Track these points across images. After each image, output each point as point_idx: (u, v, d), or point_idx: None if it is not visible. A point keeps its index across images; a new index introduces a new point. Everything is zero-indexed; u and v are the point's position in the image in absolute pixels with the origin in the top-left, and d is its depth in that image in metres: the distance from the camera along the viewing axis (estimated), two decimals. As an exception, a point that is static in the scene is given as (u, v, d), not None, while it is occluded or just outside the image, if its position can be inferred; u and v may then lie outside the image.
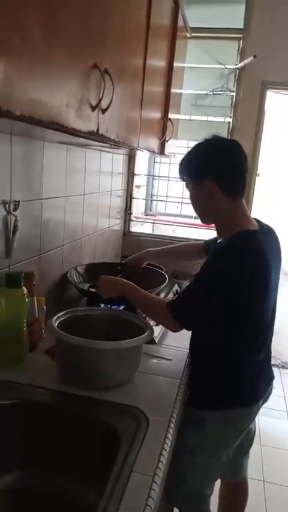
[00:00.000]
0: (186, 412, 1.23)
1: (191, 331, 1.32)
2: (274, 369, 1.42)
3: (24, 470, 1.03)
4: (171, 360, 1.32)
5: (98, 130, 1.01)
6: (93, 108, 0.96)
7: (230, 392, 1.25)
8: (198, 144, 1.26)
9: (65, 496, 0.99)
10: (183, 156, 1.30)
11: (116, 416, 1.00)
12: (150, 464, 0.85)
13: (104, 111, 1.02)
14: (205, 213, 1.29)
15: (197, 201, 1.28)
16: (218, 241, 1.30)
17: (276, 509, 1.91)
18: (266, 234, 1.25)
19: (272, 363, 1.40)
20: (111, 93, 1.03)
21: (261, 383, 1.32)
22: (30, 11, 0.67)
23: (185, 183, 1.29)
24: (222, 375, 1.25)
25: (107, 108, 1.03)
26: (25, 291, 1.19)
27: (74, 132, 0.89)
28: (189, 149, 1.29)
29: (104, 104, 1.01)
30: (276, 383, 1.39)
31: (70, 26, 0.81)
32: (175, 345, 1.50)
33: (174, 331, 1.26)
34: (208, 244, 1.57)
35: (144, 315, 1.40)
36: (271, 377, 1.38)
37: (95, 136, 1.01)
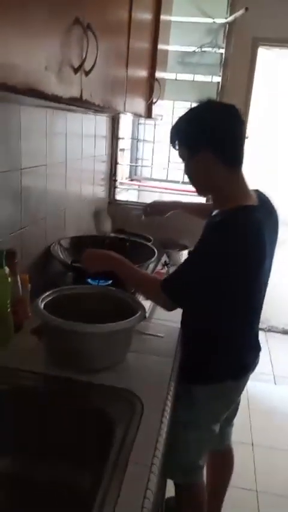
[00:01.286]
0: (177, 387, 1.21)
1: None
2: (260, 333, 1.42)
3: (16, 457, 1.00)
4: (162, 337, 1.28)
5: (81, 95, 0.91)
6: (75, 71, 0.86)
7: (221, 366, 1.24)
8: (192, 109, 1.15)
9: (59, 482, 0.97)
10: (175, 120, 1.18)
11: (109, 400, 0.96)
12: (147, 453, 0.82)
13: (87, 73, 0.92)
14: (201, 185, 1.21)
15: (193, 173, 1.18)
16: (214, 213, 1.24)
17: (264, 472, 1.97)
18: (265, 210, 1.18)
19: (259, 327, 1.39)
20: (95, 52, 0.92)
21: (251, 355, 1.33)
22: None
23: (178, 151, 1.18)
24: (213, 350, 1.24)
25: (91, 69, 0.92)
26: (7, 270, 1.12)
27: (55, 99, 0.79)
28: (181, 113, 1.17)
29: (87, 65, 0.90)
30: (262, 346, 1.39)
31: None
32: (166, 319, 1.47)
33: (169, 310, 1.21)
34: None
35: (134, 291, 1.35)
36: (259, 348, 1.38)
37: (79, 102, 0.92)
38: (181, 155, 1.18)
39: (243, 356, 1.29)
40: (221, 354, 1.23)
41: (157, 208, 1.77)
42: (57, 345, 1.08)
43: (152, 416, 0.92)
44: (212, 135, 1.10)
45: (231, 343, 1.24)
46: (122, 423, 0.89)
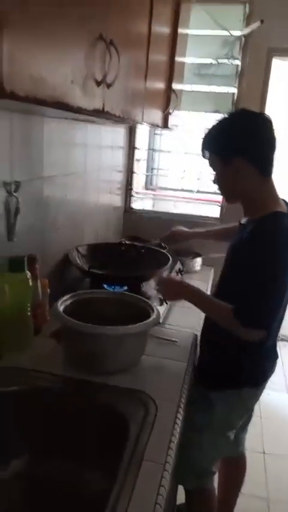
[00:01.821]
0: (194, 391, 1.23)
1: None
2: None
3: (32, 456, 1.03)
4: (176, 341, 1.30)
5: (103, 107, 0.96)
6: (98, 84, 0.91)
7: (240, 373, 1.25)
8: (226, 118, 1.18)
9: (74, 482, 0.99)
10: (206, 130, 1.20)
11: (124, 401, 0.99)
12: (161, 452, 0.85)
13: (109, 85, 0.96)
14: (234, 192, 1.21)
15: (226, 180, 1.19)
16: (243, 221, 1.24)
17: (276, 480, 1.96)
18: None
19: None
20: (117, 66, 0.97)
21: (270, 362, 1.33)
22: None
23: (209, 161, 1.21)
24: (234, 356, 1.24)
25: (113, 82, 0.97)
26: (29, 275, 1.16)
27: (79, 111, 0.84)
28: (212, 123, 1.20)
29: (109, 78, 0.94)
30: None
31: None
32: (180, 324, 1.50)
33: (251, 339, 1.14)
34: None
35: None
36: (277, 356, 1.38)
37: (101, 114, 0.96)
38: (212, 164, 1.20)
39: (262, 363, 1.29)
40: (241, 360, 1.24)
41: (177, 235, 1.77)
42: (75, 347, 1.12)
43: (166, 417, 0.94)
44: (249, 143, 1.12)
45: (253, 349, 1.23)
46: (136, 423, 0.92)
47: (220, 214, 2.47)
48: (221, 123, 1.18)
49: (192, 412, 1.22)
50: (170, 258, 1.74)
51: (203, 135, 1.22)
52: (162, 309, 1.55)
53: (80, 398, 1.03)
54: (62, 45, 0.73)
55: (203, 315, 1.35)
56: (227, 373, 1.25)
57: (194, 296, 1.25)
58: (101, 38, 0.89)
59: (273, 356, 1.35)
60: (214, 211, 2.50)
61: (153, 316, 1.13)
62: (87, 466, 1.00)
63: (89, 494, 0.97)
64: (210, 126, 1.19)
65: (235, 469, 1.57)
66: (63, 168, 1.56)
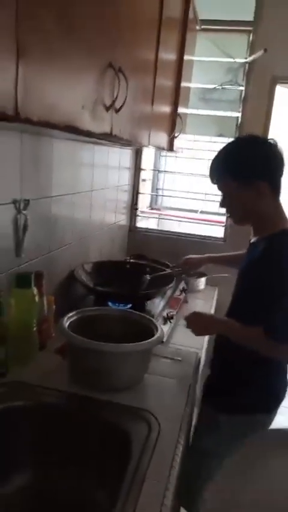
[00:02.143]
0: (203, 413, 1.24)
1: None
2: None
3: (36, 472, 1.03)
4: (180, 360, 1.31)
5: (111, 131, 0.99)
6: (107, 109, 0.95)
7: (253, 397, 1.22)
8: (238, 142, 1.21)
9: (76, 499, 0.99)
10: (216, 154, 1.21)
11: (127, 419, 0.99)
12: (163, 471, 0.85)
13: (117, 110, 1.00)
14: (248, 213, 1.22)
15: (242, 203, 1.20)
16: (253, 240, 1.26)
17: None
18: None
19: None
20: (125, 91, 1.01)
21: (283, 387, 1.30)
22: (46, 11, 0.64)
23: (219, 184, 1.22)
24: (247, 378, 1.23)
25: (121, 107, 1.01)
26: (35, 291, 1.19)
27: (88, 134, 0.87)
28: (220, 148, 1.21)
29: (118, 103, 0.99)
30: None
31: (84, 25, 0.79)
32: (183, 344, 1.50)
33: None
34: None
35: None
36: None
37: (109, 137, 1.00)
38: (223, 188, 1.21)
39: (276, 387, 1.26)
40: (254, 383, 1.22)
41: (190, 263, 1.78)
42: (80, 364, 1.13)
43: (169, 436, 0.95)
44: (270, 167, 1.16)
45: (268, 375, 1.22)
46: (139, 441, 0.92)
47: (224, 235, 2.50)
48: (235, 147, 1.19)
49: (200, 435, 1.22)
50: (174, 277, 1.76)
51: (210, 159, 1.22)
52: (166, 328, 1.56)
53: (84, 415, 1.04)
54: (73, 73, 0.77)
55: (206, 336, 1.36)
56: (238, 393, 1.23)
57: (225, 328, 1.23)
58: (111, 65, 0.93)
59: (285, 378, 1.31)
60: (218, 232, 2.53)
61: (158, 334, 1.14)
62: (89, 483, 1.00)
63: (93, 509, 0.96)
64: (218, 152, 1.20)
65: None
66: (71, 188, 1.60)
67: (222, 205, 1.25)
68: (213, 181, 1.22)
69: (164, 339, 1.43)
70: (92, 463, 1.02)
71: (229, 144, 1.20)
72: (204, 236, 2.52)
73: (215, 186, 1.25)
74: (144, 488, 0.80)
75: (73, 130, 0.79)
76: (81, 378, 1.12)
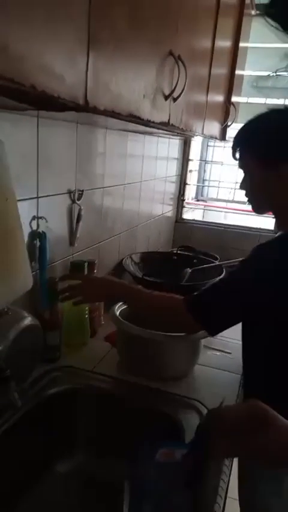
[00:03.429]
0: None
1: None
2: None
3: (87, 455, 1.06)
4: (230, 353, 1.30)
5: (169, 120, 0.99)
6: (166, 98, 0.94)
7: None
8: (268, 114, 0.96)
9: (123, 486, 1.01)
10: (243, 124, 1.00)
11: (178, 408, 1.00)
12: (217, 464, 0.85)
13: (175, 99, 0.99)
14: (268, 201, 1.02)
15: (261, 186, 0.98)
16: (278, 234, 1.04)
17: None
18: None
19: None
20: (184, 80, 1.00)
21: None
22: (118, 3, 0.65)
23: (240, 161, 1.01)
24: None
25: (179, 96, 1.00)
26: (88, 279, 1.21)
27: (147, 124, 0.87)
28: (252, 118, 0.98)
29: (176, 92, 0.98)
30: None
31: (150, 16, 0.79)
32: (232, 336, 1.48)
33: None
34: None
35: None
36: None
37: (166, 126, 0.99)
38: (244, 166, 1.01)
39: None
40: None
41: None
42: (131, 351, 1.14)
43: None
44: None
45: None
46: (190, 429, 0.92)
47: (274, 227, 2.43)
48: (264, 120, 0.96)
49: (257, 490, 1.00)
50: (224, 269, 1.74)
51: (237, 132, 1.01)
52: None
53: (133, 401, 1.05)
54: (137, 63, 0.77)
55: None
56: None
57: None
58: (171, 53, 0.92)
59: None
60: (268, 224, 2.46)
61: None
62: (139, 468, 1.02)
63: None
64: (248, 120, 0.99)
65: None
66: (122, 179, 1.61)
67: (241, 187, 1.04)
68: (234, 156, 1.02)
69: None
70: (142, 449, 1.03)
71: (259, 115, 0.97)
72: (253, 228, 2.46)
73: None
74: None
75: (135, 119, 0.79)
76: (130, 365, 1.14)
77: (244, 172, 1.02)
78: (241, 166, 1.02)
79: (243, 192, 1.04)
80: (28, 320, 0.90)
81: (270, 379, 0.97)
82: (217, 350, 1.30)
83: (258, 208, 1.06)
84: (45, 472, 1.02)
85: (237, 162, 1.02)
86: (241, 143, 1.00)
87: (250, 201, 1.05)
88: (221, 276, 1.09)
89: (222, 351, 1.30)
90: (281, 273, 0.89)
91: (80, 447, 1.07)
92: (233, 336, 1.44)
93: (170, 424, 0.96)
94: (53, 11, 0.51)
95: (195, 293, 1.03)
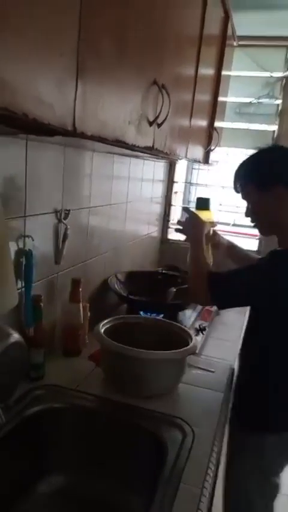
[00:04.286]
0: (236, 438, 1.23)
1: (240, 349, 1.31)
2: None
3: (70, 474, 1.05)
4: (213, 372, 1.32)
5: (153, 145, 1.03)
6: (150, 124, 0.98)
7: (278, 414, 1.21)
8: (261, 151, 1.22)
9: (110, 502, 1.01)
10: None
11: (161, 425, 1.01)
12: (199, 476, 0.86)
13: (159, 125, 1.04)
14: (270, 222, 1.22)
15: (263, 210, 1.20)
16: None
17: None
18: None
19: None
20: (167, 107, 1.05)
21: None
22: (105, 36, 0.69)
23: (242, 193, 1.23)
24: (271, 394, 1.21)
25: (163, 122, 1.04)
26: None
27: (133, 148, 0.91)
28: (244, 158, 1.24)
29: (160, 119, 1.02)
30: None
31: (136, 46, 0.83)
32: (216, 356, 1.50)
33: (202, 303, 1.34)
34: None
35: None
36: None
37: (150, 150, 1.03)
38: (246, 195, 1.23)
39: None
40: (282, 402, 1.20)
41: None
42: (115, 370, 1.15)
43: (203, 444, 0.96)
44: (285, 172, 1.16)
45: None
46: (174, 447, 0.94)
47: (258, 248, 2.49)
48: (258, 155, 1.22)
49: (236, 460, 1.22)
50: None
51: (236, 169, 1.24)
52: (198, 339, 1.57)
53: (118, 420, 1.06)
54: (123, 90, 0.81)
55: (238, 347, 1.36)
56: (271, 415, 1.21)
57: (195, 243, 1.31)
58: (155, 82, 0.97)
59: None
60: (251, 245, 2.52)
61: (192, 343, 1.16)
62: (124, 486, 1.02)
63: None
64: (242, 160, 1.23)
65: None
66: (108, 199, 1.64)
67: (246, 214, 1.26)
68: (236, 190, 1.25)
69: (197, 350, 1.44)
70: (126, 468, 1.03)
71: (252, 153, 1.23)
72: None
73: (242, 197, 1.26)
74: (179, 493, 0.81)
75: (121, 144, 0.83)
76: (114, 383, 1.15)
77: (247, 201, 1.24)
78: (243, 197, 1.24)
79: (248, 218, 1.27)
80: (13, 337, 0.91)
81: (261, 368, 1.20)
82: (201, 369, 1.32)
83: (263, 229, 1.28)
84: (27, 491, 1.01)
85: (240, 194, 1.24)
86: (241, 178, 1.22)
87: (256, 226, 1.27)
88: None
89: (206, 370, 1.31)
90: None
91: (63, 466, 1.06)
92: (216, 355, 1.47)
93: (154, 442, 0.97)
94: (43, 43, 0.55)
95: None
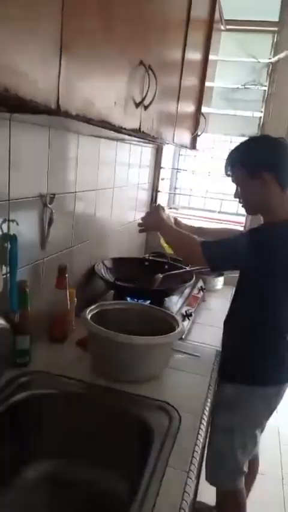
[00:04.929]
0: (219, 394, 1.31)
1: (228, 309, 1.44)
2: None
3: (56, 460, 1.06)
4: (199, 356, 1.33)
5: (140, 127, 1.01)
6: (137, 105, 0.96)
7: (263, 370, 1.35)
8: (250, 140, 1.36)
9: (98, 487, 1.01)
10: (231, 151, 1.36)
11: (148, 410, 1.02)
12: (185, 460, 0.87)
13: (146, 107, 1.02)
14: (256, 203, 1.35)
15: (251, 192, 1.33)
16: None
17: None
18: None
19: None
20: (154, 89, 1.03)
21: None
22: (90, 12, 0.67)
23: (232, 177, 1.35)
24: (256, 352, 1.34)
25: (149, 104, 1.03)
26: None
27: (119, 130, 0.90)
28: (238, 144, 1.36)
29: (146, 100, 1.00)
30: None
31: (122, 26, 0.81)
32: (201, 341, 1.51)
33: (199, 264, 1.43)
34: None
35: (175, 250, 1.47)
36: None
37: (137, 133, 1.02)
38: (235, 179, 1.36)
39: (285, 362, 1.36)
40: (262, 357, 1.34)
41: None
42: (102, 355, 1.15)
43: (189, 428, 0.96)
44: (277, 160, 1.29)
45: (273, 346, 1.34)
46: (160, 431, 0.94)
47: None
48: (248, 143, 1.35)
49: (218, 415, 1.34)
50: (193, 275, 1.77)
51: (227, 155, 1.37)
52: (185, 324, 1.57)
53: (105, 405, 1.06)
54: (109, 70, 0.79)
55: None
56: (251, 368, 1.34)
57: (167, 230, 1.46)
58: (141, 63, 0.95)
59: None
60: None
61: (179, 328, 1.16)
62: (111, 471, 1.02)
63: (113, 499, 0.98)
64: (234, 147, 1.35)
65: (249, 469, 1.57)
66: (94, 184, 1.62)
67: (235, 196, 1.39)
68: (227, 173, 1.37)
69: (183, 336, 1.45)
70: (113, 453, 1.04)
71: (243, 141, 1.36)
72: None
73: (232, 184, 1.38)
74: (166, 477, 0.81)
75: (107, 125, 0.81)
76: (102, 369, 1.15)
77: (236, 184, 1.37)
78: (233, 180, 1.37)
79: (236, 200, 1.40)
80: (-2, 323, 0.90)
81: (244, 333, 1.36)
82: (186, 354, 1.32)
83: (250, 209, 1.41)
84: (15, 477, 1.01)
85: (230, 177, 1.37)
86: (232, 163, 1.35)
87: (244, 206, 1.40)
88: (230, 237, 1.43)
89: (192, 354, 1.32)
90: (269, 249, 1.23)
91: (49, 452, 1.06)
92: (202, 339, 1.48)
93: (141, 427, 0.98)
94: (25, 17, 0.53)
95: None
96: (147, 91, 0.98)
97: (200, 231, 1.69)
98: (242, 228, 2.50)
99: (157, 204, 1.56)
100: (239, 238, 1.37)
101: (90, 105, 0.73)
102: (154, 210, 1.53)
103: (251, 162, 1.31)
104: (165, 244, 1.67)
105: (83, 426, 1.07)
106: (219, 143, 2.73)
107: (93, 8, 0.69)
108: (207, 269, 1.90)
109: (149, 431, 0.95)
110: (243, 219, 2.53)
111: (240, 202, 1.39)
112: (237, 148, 1.34)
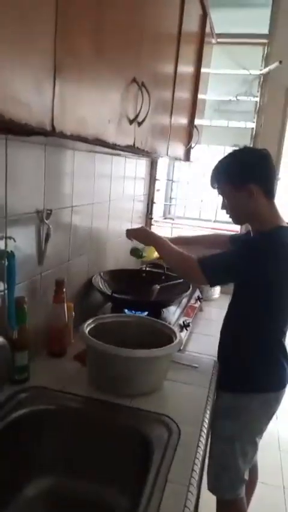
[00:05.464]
0: (219, 403, 1.33)
1: (224, 317, 1.45)
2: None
3: (57, 476, 1.05)
4: (197, 367, 1.33)
5: (134, 143, 1.03)
6: (130, 122, 0.98)
7: (261, 377, 1.35)
8: (233, 153, 1.37)
9: (98, 502, 1.01)
10: (210, 163, 1.39)
11: (147, 424, 1.01)
12: (185, 473, 0.86)
13: (140, 124, 1.04)
14: (244, 214, 1.37)
15: (238, 204, 1.35)
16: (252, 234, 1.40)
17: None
18: None
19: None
20: (148, 105, 1.05)
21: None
22: (81, 35, 0.68)
23: (219, 190, 1.37)
24: (254, 359, 1.35)
25: (143, 120, 1.04)
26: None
27: (113, 147, 0.91)
28: (222, 158, 1.37)
29: (140, 116, 1.02)
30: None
31: (113, 44, 0.83)
32: (199, 351, 1.52)
33: (197, 282, 1.44)
34: (234, 237, 1.68)
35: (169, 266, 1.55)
36: None
37: (131, 149, 1.03)
38: (222, 192, 1.37)
39: (283, 367, 1.37)
40: (260, 363, 1.35)
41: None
42: (100, 370, 1.15)
43: (189, 441, 0.96)
44: (258, 172, 1.31)
45: (270, 352, 1.35)
46: (160, 445, 0.94)
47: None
48: (232, 156, 1.36)
49: (219, 423, 1.33)
50: (190, 286, 1.78)
51: (212, 169, 1.38)
52: (183, 335, 1.58)
53: (104, 420, 1.06)
54: (102, 89, 0.81)
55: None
56: (250, 375, 1.34)
57: (162, 245, 1.47)
58: (134, 80, 0.97)
59: None
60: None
61: (177, 340, 1.16)
62: (111, 486, 1.02)
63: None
64: (218, 161, 1.37)
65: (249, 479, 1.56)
66: (90, 198, 1.63)
67: (222, 207, 1.41)
68: (213, 186, 1.39)
69: (181, 347, 1.45)
70: (113, 468, 1.04)
71: (227, 154, 1.38)
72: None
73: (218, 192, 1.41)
74: (166, 492, 0.81)
75: (101, 143, 0.83)
76: (101, 383, 1.15)
77: (223, 197, 1.38)
78: (220, 193, 1.38)
79: (224, 211, 1.41)
80: (-4, 340, 0.90)
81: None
82: (185, 365, 1.33)
83: (238, 220, 1.44)
84: (14, 494, 1.00)
85: (216, 190, 1.38)
86: (217, 177, 1.36)
87: (231, 217, 1.41)
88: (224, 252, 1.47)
89: (190, 365, 1.32)
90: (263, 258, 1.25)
91: (50, 468, 1.06)
92: (200, 350, 1.48)
93: (141, 441, 0.97)
94: (18, 41, 0.54)
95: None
96: (141, 107, 1.00)
97: (179, 240, 1.72)
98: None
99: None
100: (235, 253, 1.37)
101: (85, 125, 0.74)
102: (142, 228, 1.57)
103: (237, 175, 1.32)
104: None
105: (82, 441, 1.06)
106: (214, 153, 2.76)
107: (85, 30, 0.71)
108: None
109: (148, 446, 0.95)
110: (238, 228, 2.55)
111: (227, 213, 1.41)
112: (221, 162, 1.36)
